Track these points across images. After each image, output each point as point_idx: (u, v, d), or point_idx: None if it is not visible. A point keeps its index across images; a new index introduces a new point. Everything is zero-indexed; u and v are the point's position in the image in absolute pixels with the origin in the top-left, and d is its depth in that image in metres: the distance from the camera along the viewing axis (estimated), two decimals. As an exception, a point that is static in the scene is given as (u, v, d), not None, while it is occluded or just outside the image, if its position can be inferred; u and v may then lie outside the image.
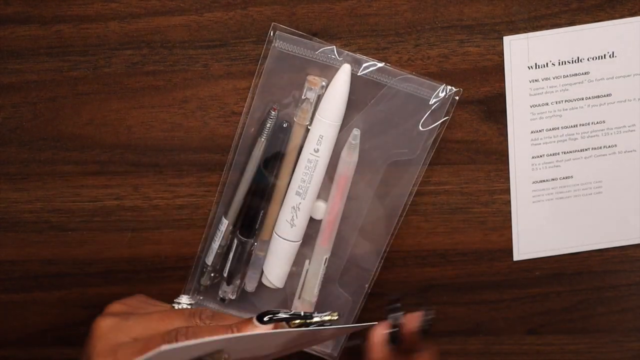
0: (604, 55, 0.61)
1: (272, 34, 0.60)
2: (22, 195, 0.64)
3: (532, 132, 0.63)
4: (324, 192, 0.63)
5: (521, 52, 0.61)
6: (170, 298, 0.62)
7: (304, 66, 0.60)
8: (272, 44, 0.60)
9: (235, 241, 0.64)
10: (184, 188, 0.64)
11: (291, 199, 0.62)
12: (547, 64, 0.61)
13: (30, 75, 0.61)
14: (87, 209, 0.65)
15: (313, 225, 0.64)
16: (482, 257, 0.67)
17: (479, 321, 0.66)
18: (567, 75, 0.62)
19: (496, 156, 0.64)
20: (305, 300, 0.65)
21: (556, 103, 0.63)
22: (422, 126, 0.61)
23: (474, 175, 0.64)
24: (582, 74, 0.62)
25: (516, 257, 0.67)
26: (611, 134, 0.64)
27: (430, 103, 0.60)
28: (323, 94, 0.60)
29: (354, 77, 0.60)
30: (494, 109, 0.63)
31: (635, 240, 0.67)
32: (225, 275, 0.65)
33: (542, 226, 0.66)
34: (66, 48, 0.60)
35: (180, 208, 0.64)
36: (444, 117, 0.61)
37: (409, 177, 0.63)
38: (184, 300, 0.61)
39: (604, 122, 0.63)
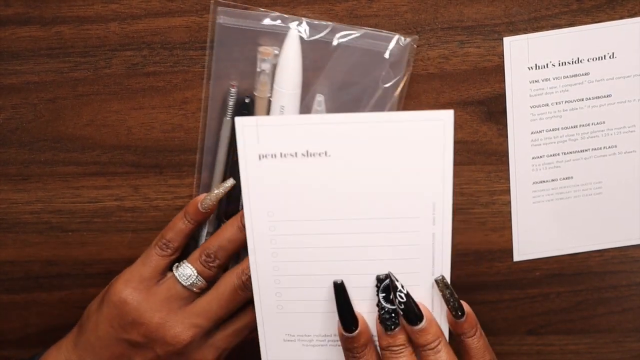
0: (604, 56, 0.61)
1: (212, 10, 0.58)
2: (23, 196, 0.64)
3: (532, 132, 0.63)
4: None
5: (521, 53, 0.61)
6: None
7: (254, 38, 0.59)
8: (216, 20, 0.58)
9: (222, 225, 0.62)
10: (184, 189, 0.64)
11: None
12: (547, 64, 0.61)
13: (30, 76, 0.61)
14: (88, 210, 0.65)
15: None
16: (482, 258, 0.66)
17: (479, 321, 0.63)
18: (567, 76, 0.62)
19: (496, 157, 0.64)
20: None
21: (556, 104, 0.62)
22: (383, 82, 0.59)
23: (474, 175, 0.64)
24: (582, 74, 0.62)
25: (516, 257, 0.67)
26: (611, 134, 0.63)
27: (386, 56, 0.59)
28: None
29: (307, 42, 0.59)
30: (494, 109, 0.63)
31: (635, 241, 0.66)
32: None
33: (542, 227, 0.65)
34: (66, 49, 0.60)
35: (180, 209, 0.64)
36: (405, 69, 0.59)
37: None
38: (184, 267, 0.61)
39: (604, 122, 0.63)
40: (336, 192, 0.55)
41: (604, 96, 0.62)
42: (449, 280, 0.56)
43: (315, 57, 0.59)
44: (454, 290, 0.56)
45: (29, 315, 0.68)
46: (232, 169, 0.62)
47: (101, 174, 0.64)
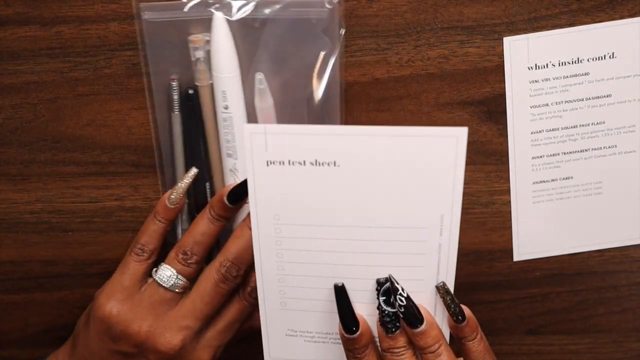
0: (604, 56, 0.61)
1: (135, 8, 0.58)
2: (23, 196, 0.64)
3: (532, 132, 0.63)
4: None
5: (521, 53, 0.61)
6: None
7: (183, 28, 0.58)
8: (141, 17, 0.58)
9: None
10: (184, 189, 0.64)
11: (226, 162, 0.61)
12: (547, 64, 0.61)
13: (30, 76, 0.60)
14: (88, 210, 0.64)
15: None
16: (482, 258, 0.66)
17: (479, 321, 0.63)
18: (567, 76, 0.61)
19: (496, 157, 0.64)
20: None
21: (556, 104, 0.62)
22: (320, 49, 0.58)
23: (474, 175, 0.64)
24: (582, 74, 0.61)
25: (516, 257, 0.66)
26: (611, 134, 0.63)
27: (314, 22, 0.57)
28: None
29: (235, 22, 0.57)
30: (494, 109, 0.62)
31: (635, 241, 0.66)
32: None
33: (542, 227, 0.65)
34: (66, 49, 0.60)
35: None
36: (339, 31, 0.58)
37: (332, 99, 0.60)
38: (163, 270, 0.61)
39: (604, 122, 0.63)
40: (343, 200, 0.55)
41: (604, 96, 0.62)
42: (451, 287, 0.57)
43: (247, 36, 0.58)
44: (455, 296, 0.56)
45: (29, 315, 0.68)
46: (191, 162, 0.61)
47: (101, 174, 0.63)
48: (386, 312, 0.56)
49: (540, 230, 0.65)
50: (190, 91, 0.59)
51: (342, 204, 0.55)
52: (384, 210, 0.55)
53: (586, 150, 0.64)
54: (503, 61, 0.61)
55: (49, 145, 0.63)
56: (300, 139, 0.53)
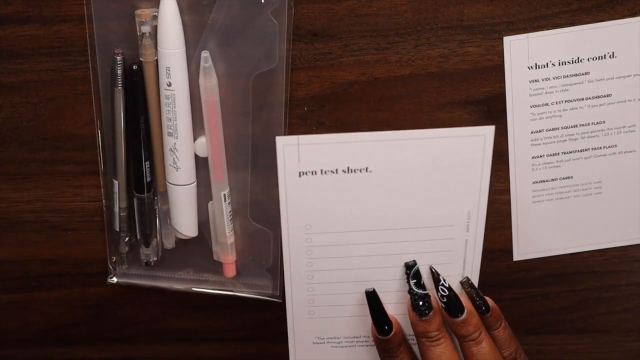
0: (604, 55, 0.61)
1: None
2: (22, 195, 0.63)
3: (532, 132, 0.62)
4: (202, 128, 0.60)
5: (521, 52, 0.60)
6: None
7: (131, 1, 0.57)
8: None
9: (135, 200, 0.62)
10: (184, 188, 0.63)
11: (166, 141, 0.60)
12: (547, 64, 0.61)
13: (30, 75, 0.60)
14: (88, 209, 0.64)
15: (205, 164, 0.61)
16: (483, 257, 0.63)
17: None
18: (567, 76, 0.61)
19: (496, 156, 0.62)
20: (221, 243, 0.63)
21: (556, 103, 0.62)
22: (269, 23, 0.57)
23: (474, 175, 0.64)
24: (582, 74, 0.61)
25: (516, 257, 0.66)
26: (611, 134, 0.63)
27: (263, 3, 0.57)
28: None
29: None
30: (494, 109, 0.62)
31: (636, 241, 0.66)
32: (139, 237, 0.63)
33: (542, 226, 0.65)
34: (66, 48, 0.59)
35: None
36: (287, 9, 0.57)
37: (278, 85, 0.59)
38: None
39: (604, 122, 0.63)
40: (374, 204, 0.56)
41: (604, 96, 0.62)
42: (475, 281, 0.58)
43: (195, 13, 0.57)
44: (479, 289, 0.58)
45: (29, 315, 0.68)
46: (132, 139, 0.60)
47: (97, 173, 0.63)
48: (418, 294, 0.57)
49: (540, 230, 0.65)
50: (135, 67, 0.58)
51: (373, 209, 0.56)
52: (414, 211, 0.56)
53: (586, 150, 0.63)
54: (503, 60, 0.60)
55: (49, 144, 0.62)
56: (332, 148, 0.54)
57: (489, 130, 0.54)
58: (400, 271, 0.58)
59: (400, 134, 0.55)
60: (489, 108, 0.62)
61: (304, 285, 0.58)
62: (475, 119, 0.62)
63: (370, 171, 0.55)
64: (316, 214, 0.56)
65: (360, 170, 0.55)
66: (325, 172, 0.55)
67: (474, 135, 0.54)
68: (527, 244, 0.66)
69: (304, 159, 0.54)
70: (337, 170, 0.55)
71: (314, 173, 0.55)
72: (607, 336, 0.70)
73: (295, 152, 0.54)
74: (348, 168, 0.55)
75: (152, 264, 0.64)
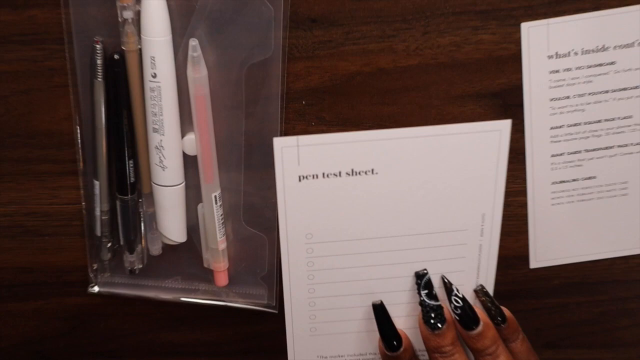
0: (632, 43, 0.60)
1: None
2: (-6, 197, 0.63)
3: (551, 128, 0.62)
4: (191, 124, 0.60)
5: (540, 40, 0.59)
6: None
7: None
8: None
9: (118, 203, 0.61)
10: (170, 189, 0.63)
11: (152, 138, 0.59)
12: (569, 53, 0.60)
13: (1, 66, 0.58)
14: (66, 212, 0.63)
15: (194, 163, 0.61)
16: (497, 264, 0.64)
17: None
18: (591, 66, 0.60)
19: (512, 154, 0.62)
20: (212, 249, 0.62)
21: (578, 96, 0.61)
22: (264, 9, 0.56)
23: (487, 175, 0.63)
24: (608, 64, 0.60)
25: (533, 264, 0.66)
26: (639, 130, 0.62)
27: None
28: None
29: None
30: (510, 102, 0.61)
31: (663, 246, 0.66)
32: (123, 243, 0.63)
33: (561, 231, 0.65)
34: (41, 35, 0.58)
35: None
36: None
37: (273, 76, 0.59)
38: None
39: (631, 117, 0.62)
40: (381, 209, 0.56)
41: (632, 87, 0.61)
42: (490, 289, 0.58)
43: None
44: (494, 298, 0.58)
45: (2, 327, 0.67)
46: (114, 136, 0.59)
47: (76, 173, 0.62)
48: (430, 306, 0.57)
49: (560, 235, 0.65)
50: (116, 56, 0.57)
51: (380, 214, 0.56)
52: (424, 215, 0.56)
53: (611, 148, 0.63)
54: (520, 49, 0.60)
55: (22, 141, 0.61)
56: (335, 149, 0.54)
57: (506, 125, 0.54)
58: (410, 281, 0.58)
59: (408, 131, 0.54)
60: (505, 101, 0.61)
61: (305, 300, 0.58)
62: (490, 114, 0.61)
63: (376, 173, 0.55)
64: (318, 221, 0.56)
65: (365, 173, 0.55)
66: (327, 176, 0.55)
67: (488, 131, 0.54)
68: (545, 250, 0.66)
69: (303, 162, 0.54)
70: (340, 173, 0.55)
71: (314, 177, 0.55)
72: (632, 350, 0.70)
73: (294, 154, 0.54)
74: (352, 170, 0.55)
75: (136, 271, 0.64)
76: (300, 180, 0.54)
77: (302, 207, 0.55)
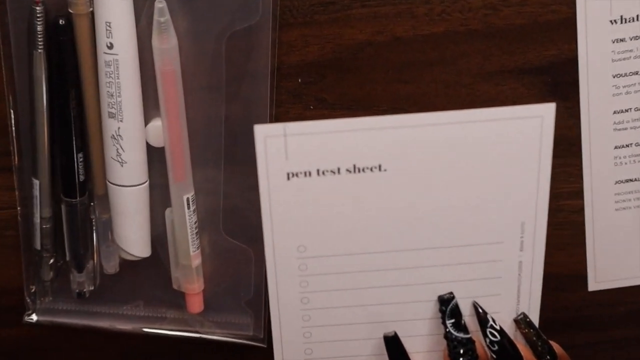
0: None
1: None
2: None
3: (614, 112, 0.60)
4: (157, 108, 0.58)
5: (601, 0, 0.58)
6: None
7: None
8: None
9: (63, 207, 0.60)
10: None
11: (107, 125, 0.57)
12: (637, 17, 0.58)
13: None
14: None
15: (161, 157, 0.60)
16: (545, 286, 0.61)
17: None
18: None
19: (564, 146, 0.61)
20: (183, 265, 0.61)
21: None
22: None
23: (533, 173, 0.61)
24: None
25: (592, 286, 0.65)
26: None
27: None
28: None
29: None
30: (561, 80, 0.60)
31: None
32: (69, 258, 0.61)
33: (628, 243, 0.64)
34: None
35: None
36: None
37: (261, 48, 0.57)
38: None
39: None
40: (391, 217, 0.54)
41: None
42: (535, 319, 0.57)
43: None
44: (540, 330, 0.57)
45: None
46: (58, 122, 0.58)
47: (10, 169, 0.61)
48: (458, 340, 0.55)
49: (626, 248, 0.64)
50: (61, 21, 0.56)
51: (391, 222, 0.54)
52: (448, 224, 0.55)
53: None
54: (575, 12, 0.58)
55: None
56: (333, 139, 0.52)
57: (548, 110, 0.52)
58: (431, 308, 0.56)
59: (426, 117, 0.52)
60: (555, 79, 0.60)
61: (298, 330, 0.57)
62: (535, 94, 0.60)
63: (385, 170, 0.53)
64: (312, 230, 0.54)
65: (372, 169, 0.53)
66: (323, 173, 0.53)
67: (526, 118, 0.52)
68: (608, 268, 0.64)
69: (293, 156, 0.52)
70: (339, 169, 0.53)
71: (307, 174, 0.53)
72: None
73: (281, 145, 0.52)
74: (354, 167, 0.53)
75: (86, 295, 0.63)
76: (289, 178, 0.53)
77: (291, 212, 0.54)
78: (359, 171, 0.53)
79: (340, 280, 0.56)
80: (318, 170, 0.53)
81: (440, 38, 0.58)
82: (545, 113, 0.52)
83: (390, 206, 0.54)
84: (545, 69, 0.59)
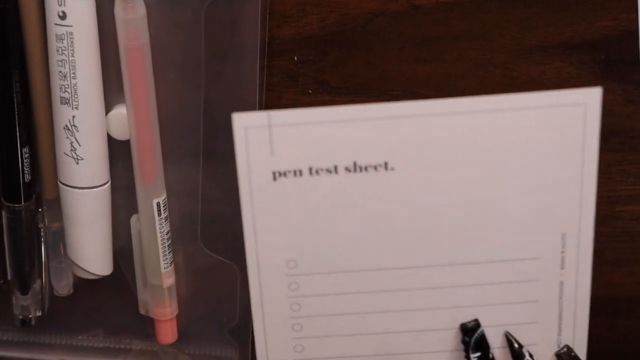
0: None
1: None
2: None
3: None
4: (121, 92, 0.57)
5: None
6: None
7: None
8: None
9: (4, 214, 0.58)
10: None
11: (59, 113, 0.56)
12: None
13: None
14: None
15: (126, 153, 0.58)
16: (599, 310, 0.62)
17: None
18: None
19: (621, 138, 0.59)
20: (153, 285, 0.59)
21: None
22: None
23: (583, 169, 0.57)
24: None
25: None
26: None
27: None
28: None
29: None
30: (617, 58, 0.57)
31: None
32: (11, 277, 0.60)
33: None
34: None
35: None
36: None
37: (248, 19, 0.56)
38: None
39: None
40: (400, 226, 0.53)
41: None
42: (582, 353, 0.56)
43: None
44: None
45: None
46: None
47: None
48: None
49: None
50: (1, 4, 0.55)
51: (399, 233, 0.54)
52: (470, 236, 0.54)
53: None
54: None
55: None
56: (329, 130, 0.51)
57: (592, 96, 0.50)
58: (452, 338, 0.56)
59: (443, 103, 0.50)
60: (610, 56, 0.57)
61: None
62: (586, 75, 0.57)
63: (392, 169, 0.52)
64: (304, 242, 0.53)
65: (376, 168, 0.52)
66: (316, 172, 0.52)
67: (566, 105, 0.51)
68: None
69: (280, 151, 0.51)
70: (336, 168, 0.52)
71: (297, 173, 0.52)
72: None
73: (265, 138, 0.51)
74: (355, 165, 0.52)
75: (32, 322, 0.61)
76: (275, 178, 0.52)
77: (279, 220, 0.53)
78: (360, 170, 0.52)
79: (339, 303, 0.55)
80: (310, 169, 0.52)
81: (468, 6, 0.56)
82: (588, 100, 0.51)
83: (399, 213, 0.53)
84: (599, 45, 0.57)
